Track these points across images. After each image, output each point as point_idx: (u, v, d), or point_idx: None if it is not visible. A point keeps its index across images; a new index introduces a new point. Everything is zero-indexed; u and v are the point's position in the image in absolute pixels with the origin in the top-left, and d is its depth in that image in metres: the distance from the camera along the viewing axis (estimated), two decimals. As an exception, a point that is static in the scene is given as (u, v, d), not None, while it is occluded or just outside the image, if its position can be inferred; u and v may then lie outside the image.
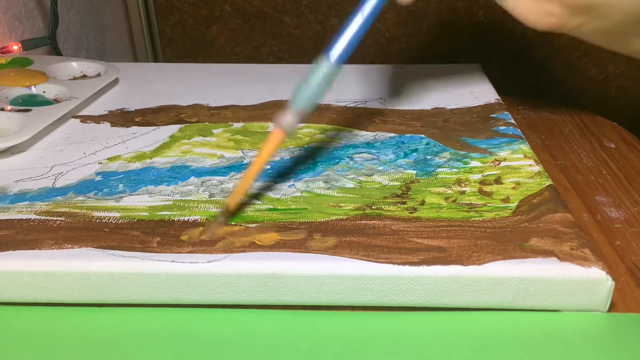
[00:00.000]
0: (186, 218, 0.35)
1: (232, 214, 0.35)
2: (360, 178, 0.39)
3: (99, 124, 0.47)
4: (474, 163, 0.41)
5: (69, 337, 0.30)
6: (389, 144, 0.44)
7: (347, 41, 0.35)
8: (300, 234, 0.33)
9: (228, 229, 0.34)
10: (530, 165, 0.41)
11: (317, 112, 0.49)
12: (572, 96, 0.99)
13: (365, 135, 0.45)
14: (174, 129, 0.46)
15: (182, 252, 0.32)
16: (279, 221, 0.35)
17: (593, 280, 0.31)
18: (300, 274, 0.31)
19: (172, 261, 0.31)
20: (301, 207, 0.36)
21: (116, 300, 0.32)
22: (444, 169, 0.40)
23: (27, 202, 0.36)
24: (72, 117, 0.48)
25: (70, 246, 0.32)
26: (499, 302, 0.31)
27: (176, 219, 0.35)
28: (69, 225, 0.34)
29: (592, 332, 0.30)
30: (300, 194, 0.37)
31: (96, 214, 0.35)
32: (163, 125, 0.47)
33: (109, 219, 0.35)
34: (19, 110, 0.46)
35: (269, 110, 0.50)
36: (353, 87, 0.54)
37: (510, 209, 0.36)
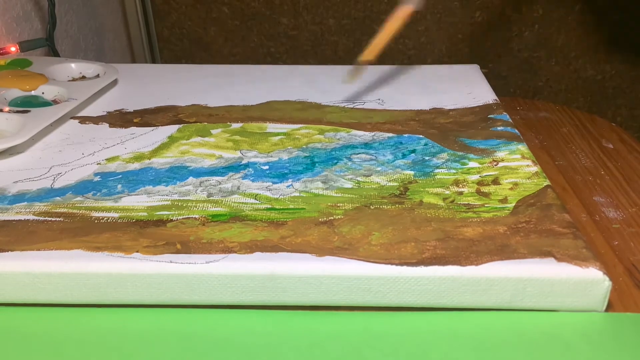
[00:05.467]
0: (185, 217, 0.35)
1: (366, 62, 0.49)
2: (359, 178, 0.39)
3: (97, 124, 0.47)
4: (471, 164, 0.41)
5: (68, 337, 0.30)
6: (387, 144, 0.44)
7: None
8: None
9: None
10: (528, 165, 0.41)
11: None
12: (569, 96, 0.99)
13: (363, 136, 0.45)
14: (172, 129, 0.46)
15: (180, 253, 0.32)
16: (277, 220, 0.35)
17: (590, 281, 0.31)
18: (299, 274, 0.31)
19: (171, 262, 0.31)
20: (299, 207, 0.36)
21: (115, 301, 0.32)
22: (442, 170, 0.40)
23: (25, 203, 0.36)
24: (71, 118, 0.48)
25: (68, 247, 0.32)
26: (496, 303, 0.31)
27: (174, 218, 0.35)
28: (67, 226, 0.34)
29: (591, 332, 0.30)
30: (298, 194, 0.38)
31: (95, 214, 0.35)
32: (161, 125, 0.47)
33: (107, 220, 0.35)
34: (17, 112, 0.46)
35: (267, 111, 0.50)
36: (351, 88, 0.55)
37: (508, 210, 0.36)
